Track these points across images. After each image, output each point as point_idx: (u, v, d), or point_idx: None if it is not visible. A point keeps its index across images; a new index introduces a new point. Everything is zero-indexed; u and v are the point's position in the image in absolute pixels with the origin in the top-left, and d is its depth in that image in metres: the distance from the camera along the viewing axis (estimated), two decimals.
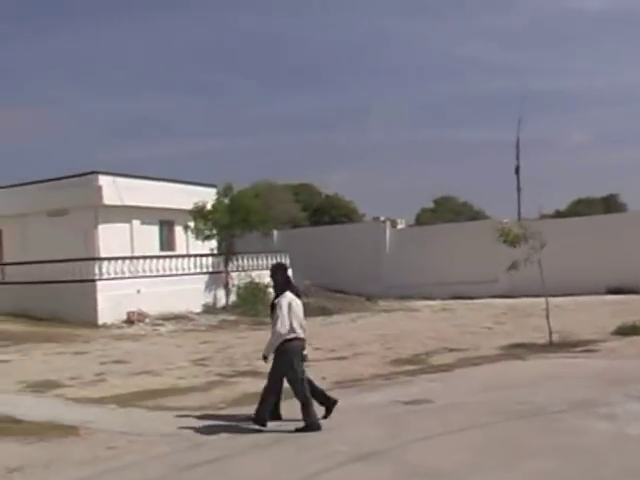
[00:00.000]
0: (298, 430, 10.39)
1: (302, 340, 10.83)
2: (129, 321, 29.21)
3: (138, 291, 30.27)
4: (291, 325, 10.59)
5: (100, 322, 28.56)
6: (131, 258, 32.09)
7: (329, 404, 11.06)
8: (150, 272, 31.88)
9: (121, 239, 34.21)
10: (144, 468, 9.06)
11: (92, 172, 34.61)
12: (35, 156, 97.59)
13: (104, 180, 34.20)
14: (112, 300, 29.23)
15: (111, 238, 33.80)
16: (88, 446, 10.15)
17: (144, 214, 35.34)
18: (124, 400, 13.50)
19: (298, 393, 10.70)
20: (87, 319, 28.23)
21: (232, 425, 10.99)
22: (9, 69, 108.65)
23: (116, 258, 31.15)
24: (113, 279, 30.26)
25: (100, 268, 30.21)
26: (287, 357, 10.63)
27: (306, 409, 10.57)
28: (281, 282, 11.05)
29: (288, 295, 10.82)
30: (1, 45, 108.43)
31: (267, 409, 10.75)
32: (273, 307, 10.94)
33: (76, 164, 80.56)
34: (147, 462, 9.33)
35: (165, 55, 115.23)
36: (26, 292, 30.70)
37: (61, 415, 12.11)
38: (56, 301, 29.38)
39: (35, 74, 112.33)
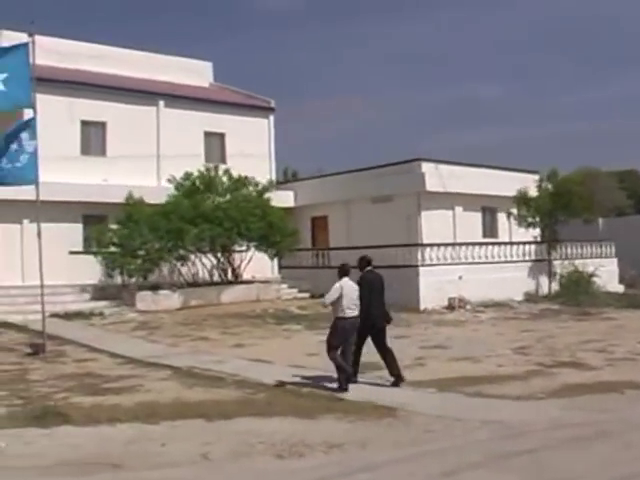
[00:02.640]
0: (334, 390, 13.01)
1: (351, 319, 13.36)
2: (450, 307, 29.23)
3: (459, 277, 30.22)
4: (341, 305, 13.30)
5: (422, 307, 28.79)
6: (453, 245, 32.09)
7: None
8: (472, 259, 31.71)
9: (443, 225, 34.30)
10: (461, 453, 8.94)
11: (415, 159, 34.97)
12: (357, 144, 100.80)
13: (427, 167, 34.43)
14: (434, 286, 29.40)
15: (433, 224, 33.98)
16: (405, 428, 10.20)
17: (466, 201, 35.21)
18: (443, 385, 13.45)
19: (329, 356, 13.39)
20: (409, 304, 28.51)
21: (552, 416, 10.59)
22: (328, 60, 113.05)
23: (439, 244, 31.24)
24: (435, 265, 30.39)
25: (423, 254, 30.44)
26: (332, 329, 13.50)
27: (338, 371, 13.21)
28: (341, 270, 13.96)
29: (343, 280, 13.63)
30: (318, 36, 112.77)
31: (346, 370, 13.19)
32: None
33: (397, 152, 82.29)
34: (465, 447, 9.20)
35: (486, 42, 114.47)
36: (351, 276, 31.50)
37: (379, 396, 12.28)
38: None
39: (352, 65, 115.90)
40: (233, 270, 31.71)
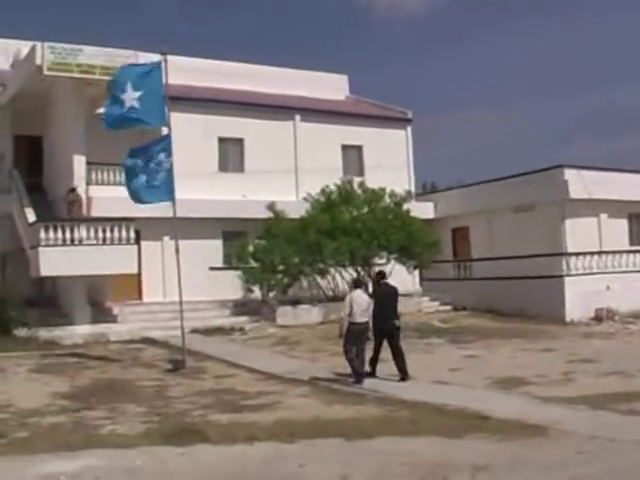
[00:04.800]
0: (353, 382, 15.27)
1: (359, 324, 15.42)
2: (597, 318, 28.08)
3: (607, 287, 29.02)
4: (352, 312, 15.36)
5: (567, 319, 27.77)
6: (599, 253, 30.91)
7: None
8: (619, 267, 30.48)
9: (588, 234, 33.02)
10: (616, 477, 8.27)
11: (557, 166, 33.76)
12: (496, 156, 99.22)
13: (570, 174, 33.20)
14: (580, 296, 28.31)
15: (578, 233, 32.75)
16: (555, 449, 9.58)
17: (611, 207, 33.76)
18: (594, 402, 12.67)
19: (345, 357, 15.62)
20: (554, 316, 27.57)
21: None
22: (462, 73, 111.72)
23: (584, 253, 30.17)
24: (581, 275, 29.32)
25: (568, 264, 29.45)
26: (347, 334, 15.44)
27: (351, 368, 15.54)
28: (353, 283, 16.91)
29: (355, 291, 15.94)
30: (453, 46, 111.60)
31: (357, 369, 15.43)
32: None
33: (536, 162, 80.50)
34: (620, 471, 8.55)
35: (628, 44, 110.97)
36: (492, 288, 30.81)
37: (527, 414, 11.64)
38: (522, 297, 29.10)
39: (484, 75, 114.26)
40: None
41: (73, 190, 26.40)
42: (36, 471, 9.02)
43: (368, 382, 15.23)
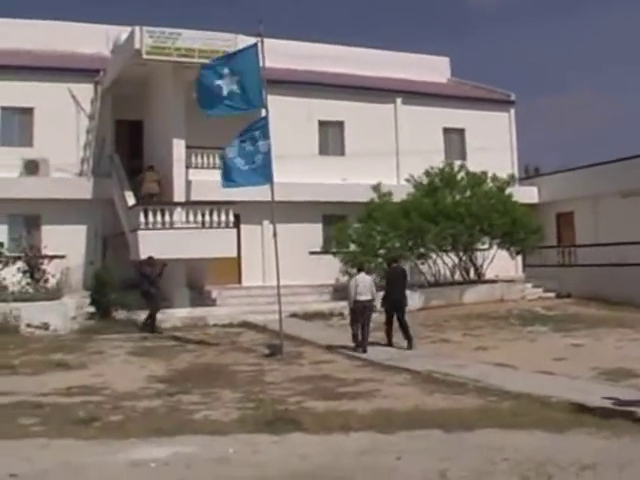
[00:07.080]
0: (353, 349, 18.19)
1: (362, 302, 18.09)
2: None
3: None
4: (356, 292, 18.07)
5: None
6: None
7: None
8: None
9: None
10: None
11: None
12: (606, 137, 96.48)
13: None
14: None
15: None
16: None
17: None
18: None
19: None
20: None
21: None
22: (565, 52, 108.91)
23: None
24: None
25: None
26: (351, 311, 18.62)
27: (353, 339, 18.43)
28: (357, 267, 20.57)
29: (359, 274, 18.89)
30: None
31: (357, 339, 18.23)
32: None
33: None
34: None
35: None
36: (599, 275, 29.79)
37: (637, 408, 10.94)
38: (631, 285, 28.01)
39: (589, 56, 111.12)
40: (476, 269, 30.73)
41: (148, 168, 26.66)
42: (127, 457, 8.90)
43: (402, 354, 17.75)
